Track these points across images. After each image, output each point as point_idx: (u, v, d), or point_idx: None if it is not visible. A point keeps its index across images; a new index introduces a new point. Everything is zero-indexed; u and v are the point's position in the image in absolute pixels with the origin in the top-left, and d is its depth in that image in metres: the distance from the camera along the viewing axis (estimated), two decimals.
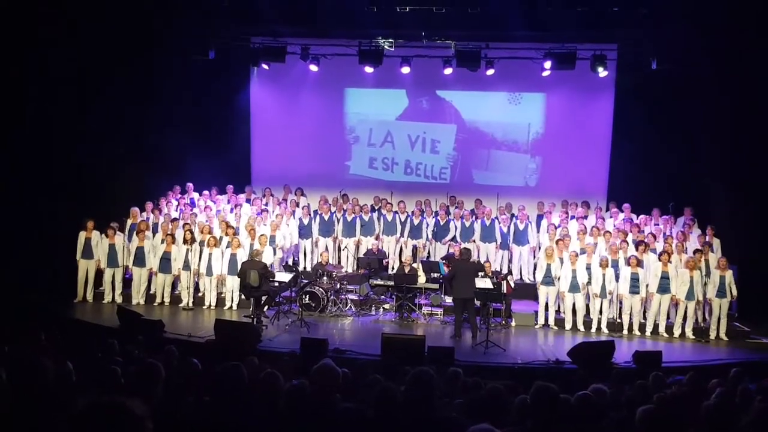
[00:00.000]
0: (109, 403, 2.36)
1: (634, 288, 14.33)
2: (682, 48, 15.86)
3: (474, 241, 16.92)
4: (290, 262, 16.73)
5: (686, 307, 14.30)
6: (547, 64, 16.86)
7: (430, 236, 17.23)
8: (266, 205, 17.90)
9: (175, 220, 16.27)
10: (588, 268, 14.53)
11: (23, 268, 14.50)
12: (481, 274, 14.00)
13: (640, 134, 18.01)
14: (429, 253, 17.28)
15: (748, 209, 15.85)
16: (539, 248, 16.59)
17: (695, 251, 14.64)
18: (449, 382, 7.92)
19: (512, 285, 15.15)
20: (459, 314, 13.68)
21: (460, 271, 13.72)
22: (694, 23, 15.06)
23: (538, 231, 17.11)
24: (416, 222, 17.30)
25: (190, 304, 15.32)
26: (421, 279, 15.25)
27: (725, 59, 15.42)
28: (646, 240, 15.18)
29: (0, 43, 14.02)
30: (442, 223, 17.18)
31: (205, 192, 18.16)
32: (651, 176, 17.81)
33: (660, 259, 14.42)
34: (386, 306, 15.56)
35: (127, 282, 15.68)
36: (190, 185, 18.30)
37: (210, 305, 15.41)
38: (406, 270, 15.19)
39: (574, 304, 14.65)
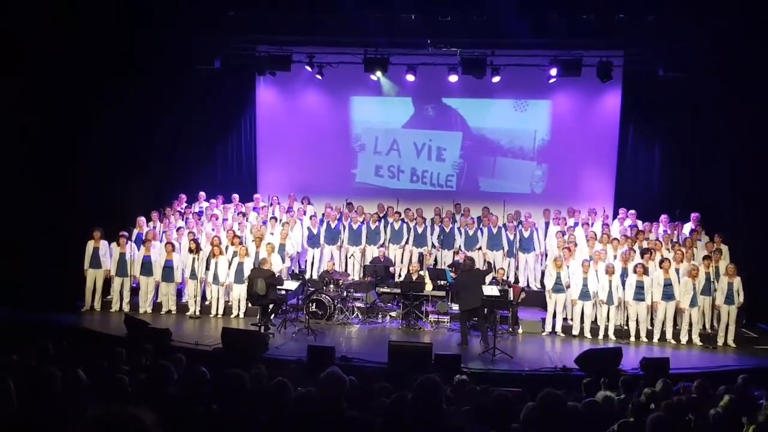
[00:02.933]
0: (118, 412, 2.37)
1: (639, 295, 14.29)
2: (689, 55, 15.85)
3: (480, 248, 16.91)
4: (296, 271, 16.73)
5: (690, 314, 14.28)
6: (553, 71, 16.88)
7: (436, 244, 17.21)
8: (273, 213, 17.92)
9: (180, 229, 16.31)
10: (597, 275, 14.51)
11: (31, 278, 14.53)
12: (489, 277, 14.05)
13: (647, 141, 18.01)
14: (436, 260, 17.26)
15: (757, 216, 15.78)
16: (545, 255, 16.59)
17: (704, 258, 14.61)
18: (456, 390, 7.92)
19: (524, 293, 15.19)
20: (465, 323, 13.66)
21: (465, 282, 13.72)
22: (700, 31, 15.04)
23: (545, 238, 17.11)
24: (420, 230, 17.30)
25: (197, 313, 15.34)
26: (428, 287, 15.24)
27: (732, 66, 15.40)
28: (652, 247, 15.15)
29: (6, 53, 14.08)
30: (447, 231, 17.15)
31: (212, 201, 18.21)
32: (658, 183, 17.80)
33: (661, 267, 14.39)
34: (393, 314, 15.55)
35: (135, 291, 15.70)
36: (202, 194, 18.36)
37: (217, 314, 15.43)
38: (414, 278, 15.20)
39: (582, 312, 14.62)
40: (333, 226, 17.32)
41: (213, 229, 16.47)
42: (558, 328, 14.77)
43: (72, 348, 10.01)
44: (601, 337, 14.50)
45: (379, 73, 17.85)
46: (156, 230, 16.43)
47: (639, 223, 16.85)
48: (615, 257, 15.02)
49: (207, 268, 15.27)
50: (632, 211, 17.13)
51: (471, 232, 17.02)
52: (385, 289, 15.65)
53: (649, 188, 18.04)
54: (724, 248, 15.32)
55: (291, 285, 14.67)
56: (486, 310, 13.82)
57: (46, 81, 14.84)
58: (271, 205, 18.49)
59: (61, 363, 7.37)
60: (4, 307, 13.49)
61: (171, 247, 15.36)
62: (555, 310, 14.82)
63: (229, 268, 15.29)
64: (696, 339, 14.33)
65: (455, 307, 15.15)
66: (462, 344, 13.38)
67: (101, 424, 2.34)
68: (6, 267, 14.35)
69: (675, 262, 14.60)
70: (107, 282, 15.62)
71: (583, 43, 16.41)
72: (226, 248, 15.58)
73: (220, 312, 15.44)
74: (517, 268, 17.07)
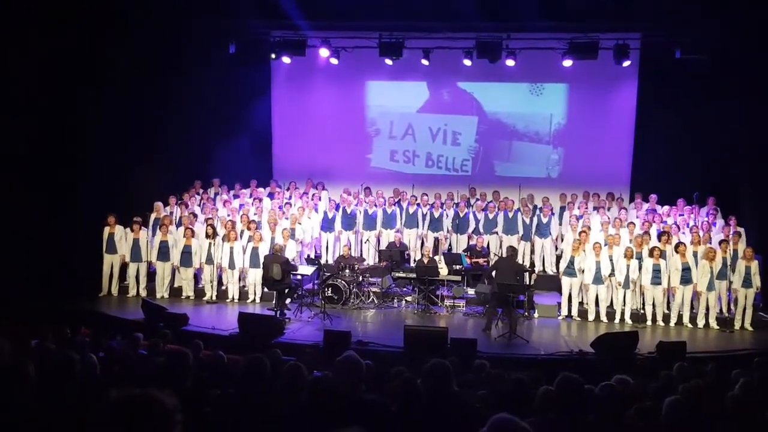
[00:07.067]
0: (140, 395, 2.38)
1: (656, 279, 14.23)
2: (707, 37, 15.68)
3: (496, 232, 16.88)
4: (312, 256, 16.75)
5: (707, 298, 14.22)
6: (569, 56, 16.77)
7: (450, 228, 17.19)
8: (289, 198, 17.95)
9: (195, 214, 16.37)
10: (611, 260, 14.46)
11: (48, 264, 14.62)
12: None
13: (664, 124, 17.86)
14: (450, 245, 17.25)
15: None
16: (561, 240, 16.52)
17: (721, 242, 14.52)
18: (475, 374, 7.93)
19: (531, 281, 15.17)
20: (493, 307, 13.63)
21: (501, 266, 13.72)
22: (718, 12, 14.87)
23: (561, 223, 17.05)
24: (436, 214, 17.28)
25: (214, 298, 15.42)
26: (443, 271, 15.23)
27: (751, 48, 15.23)
28: (670, 231, 15.07)
29: (18, 36, 14.10)
30: (461, 215, 17.13)
31: (224, 185, 18.31)
32: (675, 166, 17.67)
33: (677, 251, 14.30)
34: (408, 298, 15.56)
35: (152, 276, 15.79)
36: (216, 180, 18.44)
37: (233, 298, 15.50)
38: (426, 261, 15.20)
39: (597, 296, 14.58)
40: (349, 211, 17.33)
41: (228, 215, 16.52)
42: (574, 312, 14.74)
43: (90, 332, 10.10)
44: (617, 321, 14.46)
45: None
46: (173, 215, 16.51)
47: (658, 207, 16.77)
48: (631, 241, 14.95)
49: (222, 253, 15.34)
50: (653, 195, 17.04)
51: (491, 216, 16.98)
52: (401, 274, 15.67)
53: (666, 172, 17.89)
54: (741, 231, 15.24)
55: (307, 270, 14.73)
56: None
57: (56, 67, 14.85)
58: (288, 189, 18.53)
59: (80, 347, 7.44)
60: (21, 293, 13.56)
61: (190, 232, 15.43)
62: (570, 294, 14.79)
63: (243, 253, 15.34)
64: (713, 323, 14.27)
65: (471, 291, 15.17)
66: (485, 330, 13.34)
67: (124, 406, 2.36)
68: (22, 254, 14.43)
69: (692, 245, 14.52)
70: (124, 267, 15.72)
71: (599, 26, 16.24)
72: (241, 233, 15.64)
73: (237, 297, 15.52)
74: (532, 252, 17.02)
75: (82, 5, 14.63)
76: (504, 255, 14.30)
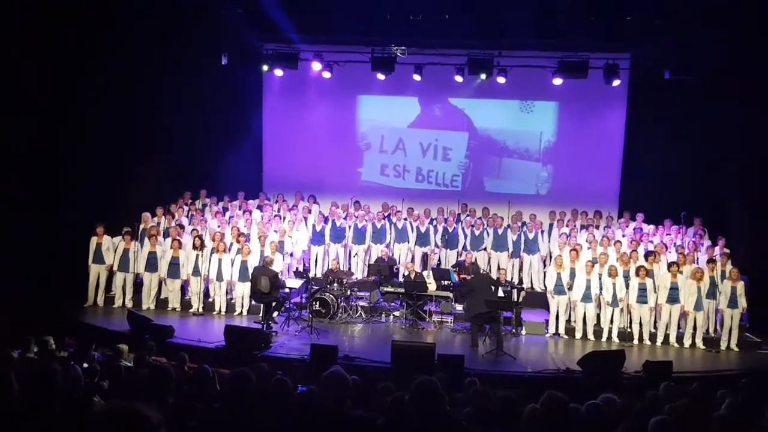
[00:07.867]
0: (124, 409, 2.37)
1: (642, 298, 14.24)
2: (695, 58, 15.81)
3: (485, 249, 16.89)
4: (300, 269, 16.70)
5: (695, 318, 14.24)
6: (559, 75, 16.86)
7: (439, 243, 17.20)
8: (278, 211, 17.92)
9: (182, 226, 16.31)
10: (600, 278, 14.47)
11: (34, 273, 14.52)
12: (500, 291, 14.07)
13: (653, 143, 17.95)
14: (439, 260, 17.24)
15: (761, 220, 15.73)
16: (549, 257, 16.55)
17: (708, 261, 14.57)
18: (465, 391, 7.91)
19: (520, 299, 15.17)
20: (475, 326, 13.58)
21: (475, 287, 13.70)
22: (707, 33, 14.99)
23: (549, 240, 17.08)
24: (423, 229, 17.29)
25: (200, 310, 15.33)
26: (432, 286, 15.20)
27: (738, 68, 15.36)
28: (660, 251, 15.10)
29: (9, 45, 14.07)
30: (450, 231, 17.13)
31: (213, 197, 18.26)
32: (663, 186, 17.74)
33: (669, 270, 14.34)
34: (396, 313, 15.52)
35: (138, 287, 15.68)
36: (203, 192, 18.39)
37: (220, 311, 15.42)
38: (412, 276, 15.17)
39: (584, 314, 14.58)
40: (339, 224, 17.30)
41: (218, 227, 16.47)
42: (561, 330, 14.73)
43: (74, 343, 10.03)
44: (604, 339, 14.46)
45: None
46: (160, 226, 16.43)
47: (644, 226, 16.83)
48: (617, 260, 14.99)
49: (210, 265, 15.27)
50: (640, 214, 17.11)
51: (477, 233, 17.00)
52: (389, 289, 15.61)
53: (654, 191, 17.96)
54: (728, 252, 15.29)
55: (295, 283, 14.68)
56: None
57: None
58: (276, 202, 18.50)
59: (63, 358, 7.38)
60: (6, 302, 13.48)
61: (177, 243, 15.35)
62: (558, 312, 14.78)
63: (232, 265, 15.27)
64: (699, 342, 14.29)
65: (459, 307, 15.14)
66: (472, 346, 13.31)
67: (108, 419, 2.34)
68: (9, 262, 14.34)
69: (679, 265, 14.55)
70: (110, 278, 15.62)
71: (589, 44, 16.38)
72: (230, 246, 15.58)
73: (224, 309, 15.44)
74: (521, 269, 17.03)
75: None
76: (471, 273, 14.33)
